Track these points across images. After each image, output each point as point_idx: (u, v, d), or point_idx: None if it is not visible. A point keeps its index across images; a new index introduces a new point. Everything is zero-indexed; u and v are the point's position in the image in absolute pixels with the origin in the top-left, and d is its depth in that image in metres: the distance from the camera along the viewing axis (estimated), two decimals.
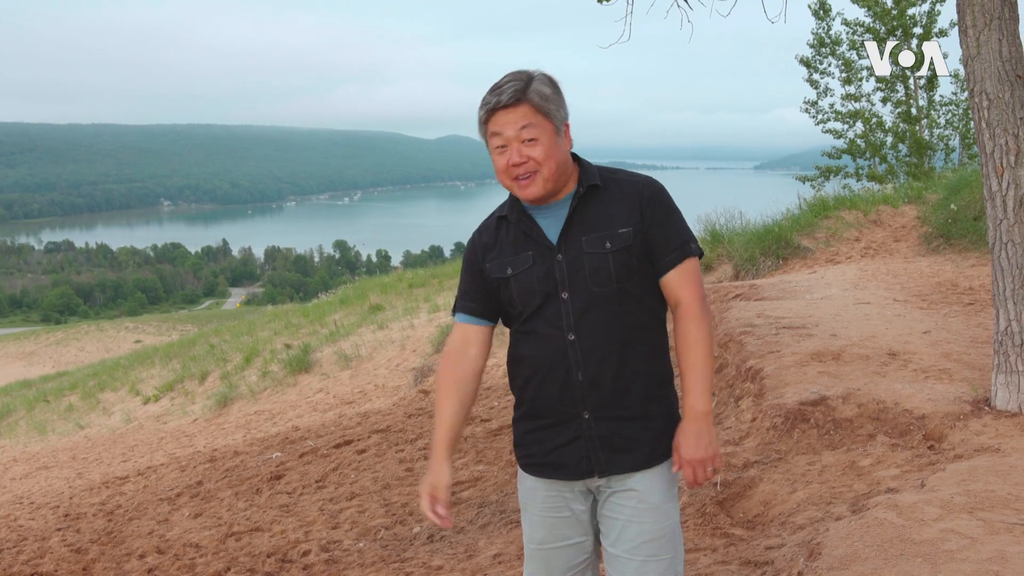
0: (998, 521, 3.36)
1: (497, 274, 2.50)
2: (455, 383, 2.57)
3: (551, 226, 2.47)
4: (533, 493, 2.57)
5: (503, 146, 2.39)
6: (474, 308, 2.56)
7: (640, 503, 2.45)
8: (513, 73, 2.41)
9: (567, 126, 2.45)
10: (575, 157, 2.53)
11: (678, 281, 2.44)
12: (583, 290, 2.41)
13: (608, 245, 2.40)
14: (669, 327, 2.54)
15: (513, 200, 2.53)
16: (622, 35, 6.82)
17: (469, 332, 2.58)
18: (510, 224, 2.52)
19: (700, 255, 2.49)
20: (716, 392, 6.13)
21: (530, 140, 2.37)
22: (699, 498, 4.61)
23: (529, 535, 2.61)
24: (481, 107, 2.41)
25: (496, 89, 2.38)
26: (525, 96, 2.36)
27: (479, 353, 2.58)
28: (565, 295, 2.42)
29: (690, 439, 2.41)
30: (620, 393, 2.43)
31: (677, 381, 2.51)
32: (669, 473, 2.49)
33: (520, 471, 2.63)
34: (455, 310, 2.61)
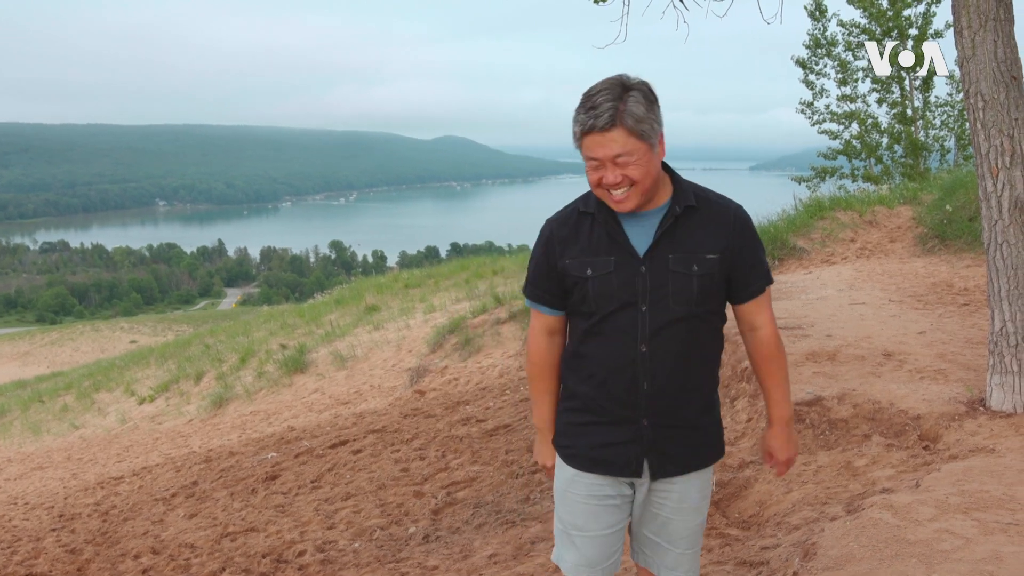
0: (993, 521, 3.37)
1: (576, 272, 2.50)
2: (551, 369, 2.67)
3: (638, 235, 2.47)
4: (576, 481, 2.63)
5: (598, 166, 2.38)
6: (549, 300, 2.60)
7: (681, 502, 2.61)
8: (608, 85, 2.34)
9: (661, 136, 2.41)
10: (666, 167, 2.52)
11: (758, 308, 2.59)
12: (663, 306, 2.45)
13: (695, 268, 2.44)
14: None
15: (599, 199, 2.50)
16: (618, 36, 6.82)
17: (550, 322, 2.64)
18: (595, 223, 2.51)
19: (772, 282, 2.64)
20: None
21: (625, 162, 2.35)
22: None
23: (568, 521, 2.66)
24: (575, 123, 2.38)
25: (591, 108, 2.33)
26: (620, 118, 2.31)
27: (561, 340, 2.68)
28: (644, 308, 2.45)
29: (784, 443, 2.68)
30: (680, 404, 2.53)
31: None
32: (708, 474, 2.66)
33: (559, 460, 2.69)
34: (532, 298, 2.64)
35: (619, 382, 2.49)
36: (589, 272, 2.47)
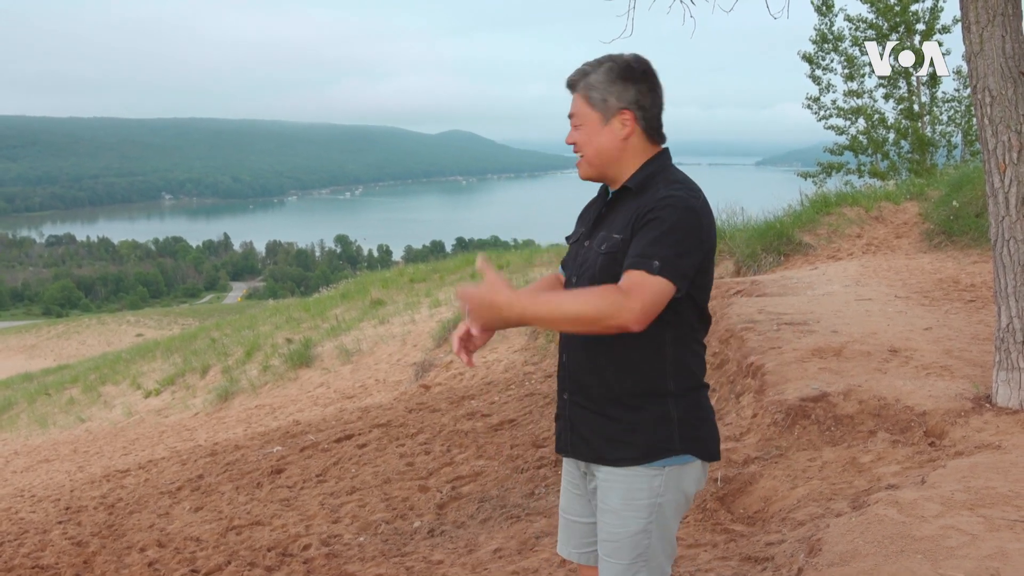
0: (999, 518, 3.37)
1: (568, 236, 2.70)
2: (549, 282, 2.73)
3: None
4: (563, 462, 2.71)
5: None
6: (564, 261, 2.71)
7: (602, 502, 2.49)
8: (600, 56, 2.51)
9: (628, 113, 2.43)
10: (662, 157, 2.49)
11: (624, 279, 2.23)
12: (580, 281, 2.49)
13: (603, 247, 2.43)
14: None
15: None
16: (624, 30, 6.80)
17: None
18: (599, 196, 2.63)
19: (670, 280, 2.24)
20: (716, 388, 6.13)
21: (577, 126, 2.50)
22: (700, 494, 4.61)
23: (560, 502, 2.75)
24: None
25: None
26: (575, 86, 2.49)
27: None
28: (574, 280, 2.53)
29: (487, 302, 2.24)
30: (587, 385, 2.49)
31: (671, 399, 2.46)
32: (637, 482, 2.41)
33: None
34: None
35: (559, 354, 2.61)
36: (571, 240, 2.67)
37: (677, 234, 2.27)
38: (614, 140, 2.46)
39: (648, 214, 2.32)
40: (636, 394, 2.43)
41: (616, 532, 2.44)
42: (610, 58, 2.48)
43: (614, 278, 2.30)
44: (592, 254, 2.46)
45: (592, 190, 2.68)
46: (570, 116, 2.51)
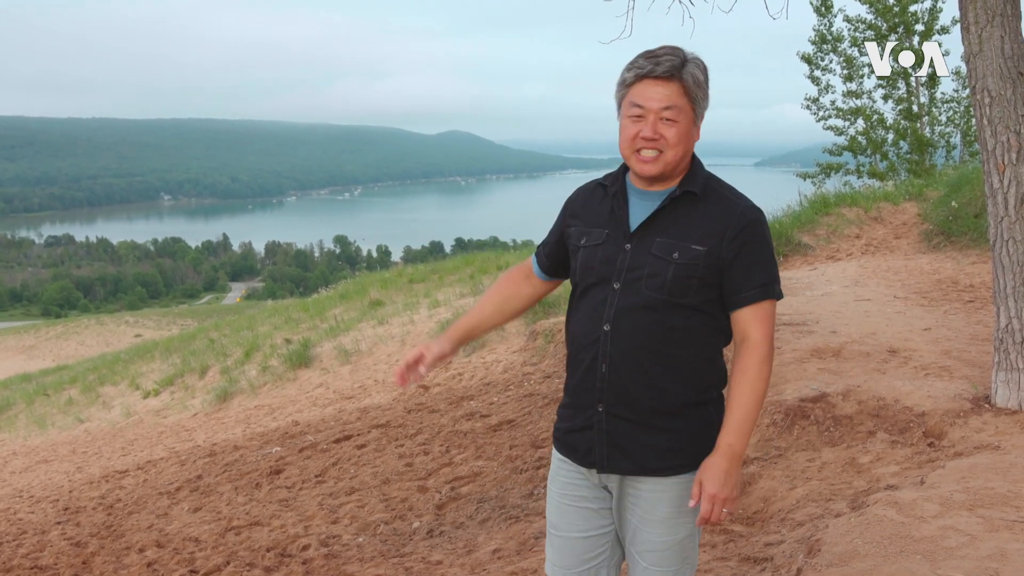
0: (998, 518, 3.37)
1: (574, 240, 2.50)
2: (505, 289, 2.67)
3: (639, 213, 2.40)
4: (556, 476, 2.58)
5: (640, 116, 2.31)
6: (543, 262, 2.62)
7: (648, 513, 2.42)
8: (669, 46, 2.32)
9: (701, 120, 2.39)
10: (694, 158, 2.45)
11: (751, 318, 2.34)
12: (634, 287, 2.34)
13: (676, 255, 2.31)
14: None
15: (619, 172, 2.49)
16: (624, 31, 6.80)
17: (532, 272, 2.67)
18: (606, 195, 2.48)
19: (780, 298, 2.39)
20: None
21: (669, 120, 2.30)
22: None
23: (548, 518, 2.61)
24: (628, 69, 2.33)
25: (652, 56, 2.30)
26: (680, 74, 2.28)
27: (533, 293, 2.67)
28: (616, 285, 2.37)
29: (719, 475, 2.28)
30: (636, 397, 2.37)
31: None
32: (682, 489, 2.41)
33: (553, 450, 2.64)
34: (536, 253, 2.67)
35: (583, 360, 2.43)
36: (583, 241, 2.46)
37: (772, 250, 2.39)
38: (692, 145, 2.38)
39: (744, 231, 2.32)
40: (687, 403, 2.38)
41: (665, 541, 2.42)
42: (685, 52, 2.32)
43: (686, 290, 2.31)
44: (653, 261, 2.33)
45: (554, 203, 2.64)
46: (663, 109, 2.29)
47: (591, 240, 2.44)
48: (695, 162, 2.43)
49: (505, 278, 2.69)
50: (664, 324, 2.33)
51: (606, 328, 2.37)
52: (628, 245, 2.37)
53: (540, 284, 2.67)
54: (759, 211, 2.37)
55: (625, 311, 2.35)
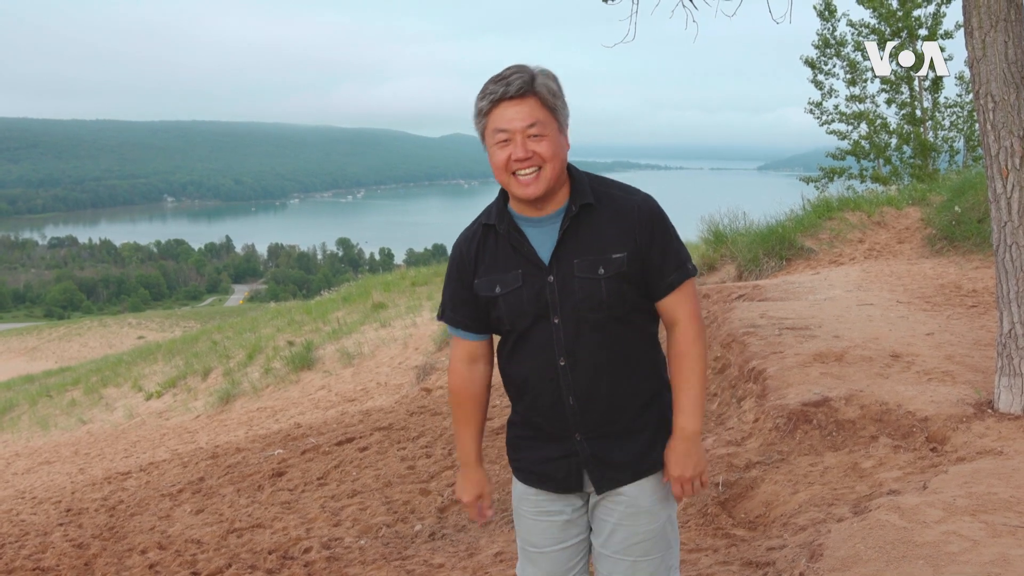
0: (1000, 524, 3.36)
1: (486, 292, 2.40)
2: (472, 399, 2.56)
3: (542, 243, 2.36)
4: (524, 497, 2.56)
5: (506, 140, 2.27)
6: (468, 324, 2.49)
7: (629, 507, 2.44)
8: (515, 66, 2.29)
9: (567, 128, 2.36)
10: (568, 169, 2.42)
11: (676, 302, 2.39)
12: (574, 316, 2.33)
13: (601, 271, 2.31)
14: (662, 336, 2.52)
15: (500, 207, 2.42)
16: (627, 34, 6.81)
17: (471, 348, 2.52)
18: (498, 236, 2.41)
19: (695, 273, 2.43)
20: (718, 393, 6.13)
21: (536, 136, 2.26)
22: (701, 499, 4.61)
23: (524, 537, 2.60)
24: (482, 98, 2.29)
25: (501, 79, 2.26)
26: (533, 89, 2.26)
27: (485, 367, 2.56)
28: (556, 320, 2.34)
29: (680, 458, 2.40)
30: (610, 414, 2.40)
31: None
32: (659, 479, 2.48)
33: (513, 476, 2.61)
34: (448, 322, 2.53)
35: (545, 399, 2.40)
36: (498, 290, 2.38)
37: (676, 233, 2.42)
38: (565, 155, 2.35)
39: (647, 223, 2.35)
40: (654, 396, 2.45)
41: (650, 530, 2.45)
42: (529, 67, 2.30)
43: (623, 299, 2.33)
44: (582, 283, 2.31)
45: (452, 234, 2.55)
46: (527, 127, 2.26)
47: (507, 286, 2.38)
48: (574, 172, 2.41)
49: (457, 388, 2.57)
50: (613, 337, 2.35)
51: (562, 363, 2.36)
52: (550, 277, 2.34)
53: (486, 350, 2.55)
54: (653, 201, 2.42)
55: (575, 340, 2.34)
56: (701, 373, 2.39)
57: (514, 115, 2.26)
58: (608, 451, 2.41)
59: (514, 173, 2.30)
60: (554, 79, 2.31)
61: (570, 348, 2.34)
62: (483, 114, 2.30)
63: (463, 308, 2.48)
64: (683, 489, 2.43)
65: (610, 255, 2.31)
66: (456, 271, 2.48)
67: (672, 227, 2.40)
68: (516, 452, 2.55)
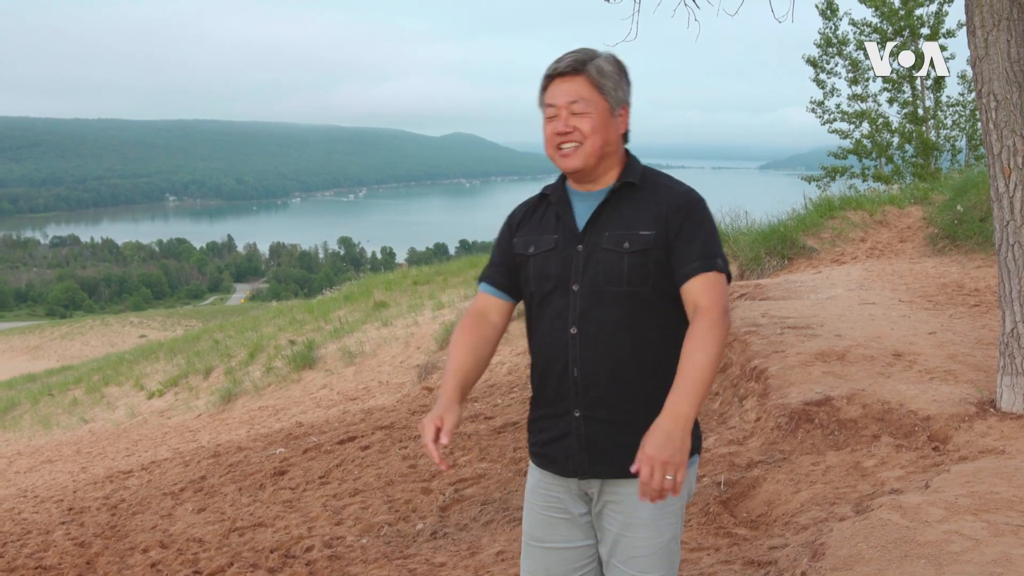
0: (1003, 523, 3.36)
1: (520, 250, 2.49)
2: (471, 338, 2.51)
3: (583, 215, 2.43)
4: (536, 488, 2.54)
5: (554, 115, 2.37)
6: (499, 281, 2.54)
7: (629, 518, 2.38)
8: (581, 48, 2.40)
9: (625, 110, 2.41)
10: (628, 154, 2.48)
11: (699, 288, 2.29)
12: (593, 286, 2.35)
13: (626, 245, 2.33)
14: None
15: (559, 181, 2.52)
16: (628, 33, 6.81)
17: (491, 302, 2.56)
18: (549, 204, 2.50)
19: (727, 275, 2.35)
20: (720, 392, 6.13)
21: (579, 113, 2.34)
22: (703, 497, 4.61)
23: (528, 531, 2.57)
24: (542, 78, 2.41)
25: (558, 59, 2.38)
26: (583, 68, 2.34)
27: (498, 323, 2.55)
28: (576, 287, 2.37)
29: (659, 437, 2.12)
30: (613, 397, 2.35)
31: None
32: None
33: (530, 463, 2.60)
34: (480, 279, 2.60)
35: (553, 370, 2.40)
36: (531, 250, 2.46)
37: (714, 229, 2.40)
38: (616, 136, 2.41)
39: (682, 209, 2.35)
40: (664, 395, 2.29)
41: (651, 544, 2.38)
42: (595, 50, 2.40)
43: (645, 276, 2.33)
44: (607, 255, 2.34)
45: (521, 196, 2.60)
46: (570, 103, 2.34)
47: (540, 247, 2.44)
48: (631, 157, 2.48)
49: (462, 328, 2.55)
50: (629, 317, 2.33)
51: (573, 331, 2.36)
52: (580, 246, 2.39)
53: (500, 314, 2.55)
54: (698, 194, 2.41)
55: (589, 311, 2.35)
56: (711, 357, 2.20)
57: (561, 91, 2.36)
58: (601, 436, 2.36)
59: (558, 147, 2.38)
60: (612, 62, 2.39)
61: (583, 318, 2.35)
62: (541, 91, 2.42)
63: (499, 266, 2.56)
64: (653, 475, 2.09)
65: (638, 231, 2.34)
66: (502, 233, 2.59)
67: (710, 223, 2.39)
68: (531, 435, 2.56)
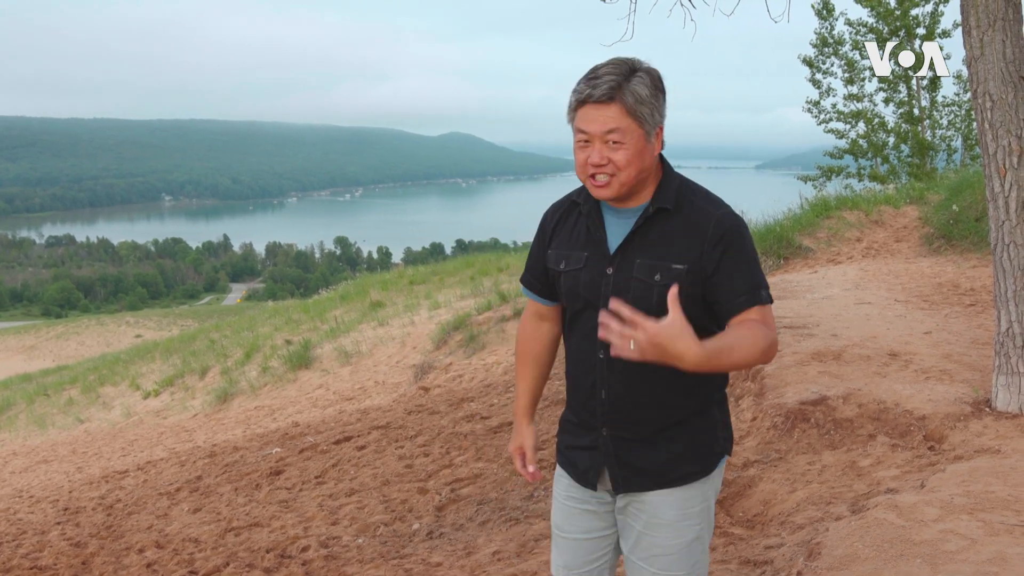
0: (998, 522, 3.36)
1: (552, 264, 2.44)
2: (533, 356, 2.60)
3: (615, 234, 2.34)
4: (559, 478, 2.58)
5: (587, 142, 2.24)
6: (536, 288, 2.53)
7: (652, 517, 2.39)
8: (615, 61, 2.22)
9: (661, 129, 2.27)
10: (664, 163, 2.36)
11: (746, 315, 2.23)
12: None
13: (658, 277, 2.25)
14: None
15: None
16: (625, 34, 6.81)
17: (541, 309, 2.58)
18: (580, 214, 2.41)
19: (768, 303, 2.26)
20: None
21: (616, 143, 2.21)
22: None
23: (554, 520, 2.61)
24: (573, 93, 2.25)
25: (592, 79, 2.20)
26: (620, 94, 2.18)
27: (552, 327, 2.59)
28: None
29: (667, 325, 1.99)
30: (638, 419, 2.35)
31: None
32: (692, 491, 2.38)
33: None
34: (524, 284, 2.58)
35: (582, 386, 2.40)
36: (563, 266, 2.40)
37: (755, 256, 2.30)
38: (652, 158, 2.28)
39: (721, 240, 2.24)
40: (692, 413, 2.36)
41: (672, 545, 2.38)
42: (631, 64, 2.22)
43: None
44: (638, 285, 2.27)
45: (570, 189, 2.51)
46: (606, 133, 2.20)
47: (571, 264, 2.38)
48: (665, 172, 2.36)
49: (522, 343, 2.63)
50: None
51: (601, 356, 2.34)
52: (609, 269, 2.31)
53: (554, 313, 2.57)
54: (737, 218, 2.30)
55: None
56: (749, 343, 2.14)
57: (594, 119, 2.21)
58: (630, 454, 2.36)
59: (591, 175, 2.27)
60: (648, 83, 2.21)
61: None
62: (572, 109, 2.27)
63: (536, 273, 2.53)
64: (633, 336, 1.99)
65: (670, 264, 2.25)
66: (539, 235, 2.54)
67: (750, 249, 2.28)
68: (559, 433, 2.58)
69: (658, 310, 2.17)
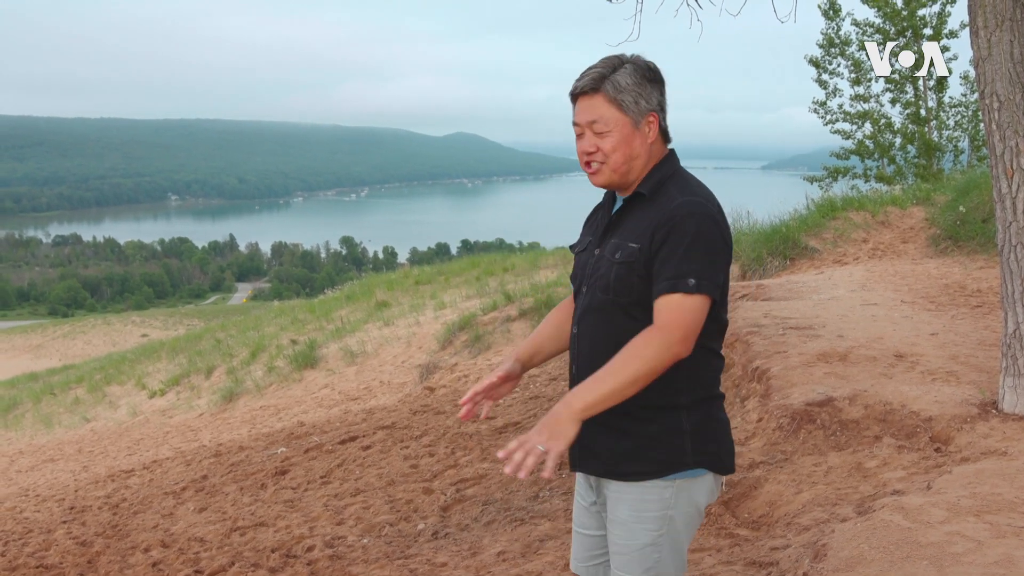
0: (1005, 524, 3.35)
1: (573, 247, 2.64)
2: (554, 320, 2.67)
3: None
4: (575, 474, 2.65)
5: (580, 134, 2.41)
6: (574, 273, 2.65)
7: (611, 513, 2.44)
8: (607, 57, 2.40)
9: (655, 116, 2.37)
10: (671, 156, 2.45)
11: (661, 308, 2.25)
12: (591, 291, 2.43)
13: (618, 255, 2.35)
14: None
15: None
16: (631, 34, 6.80)
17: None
18: (604, 203, 2.59)
19: (707, 294, 2.24)
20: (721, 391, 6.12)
21: (600, 132, 2.36)
22: None
23: (573, 514, 2.71)
24: (568, 94, 2.45)
25: (580, 75, 2.39)
26: (601, 86, 2.33)
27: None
28: (584, 289, 2.47)
29: (540, 423, 2.20)
30: None
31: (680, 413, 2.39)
32: (647, 494, 2.37)
33: None
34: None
35: (568, 363, 2.55)
36: (576, 249, 2.61)
37: (702, 244, 2.27)
38: (644, 145, 2.38)
39: (667, 224, 2.27)
40: (648, 407, 2.34)
41: (626, 544, 2.40)
42: (620, 58, 2.37)
43: (629, 289, 2.33)
44: (604, 263, 2.39)
45: (597, 195, 2.63)
46: (590, 123, 2.35)
47: (579, 247, 2.59)
48: (661, 162, 2.43)
49: (558, 308, 2.71)
50: (612, 325, 2.36)
51: (574, 331, 2.49)
52: (597, 250, 2.47)
53: None
54: (698, 206, 2.30)
55: (584, 314, 2.45)
56: (629, 364, 2.20)
57: (582, 110, 2.39)
58: (585, 432, 2.31)
59: (587, 164, 2.42)
60: (632, 72, 2.35)
61: (580, 320, 2.46)
62: (572, 105, 2.45)
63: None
64: (515, 451, 2.16)
65: (628, 243, 2.35)
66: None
67: (696, 237, 2.26)
68: None
69: (614, 287, 2.34)
